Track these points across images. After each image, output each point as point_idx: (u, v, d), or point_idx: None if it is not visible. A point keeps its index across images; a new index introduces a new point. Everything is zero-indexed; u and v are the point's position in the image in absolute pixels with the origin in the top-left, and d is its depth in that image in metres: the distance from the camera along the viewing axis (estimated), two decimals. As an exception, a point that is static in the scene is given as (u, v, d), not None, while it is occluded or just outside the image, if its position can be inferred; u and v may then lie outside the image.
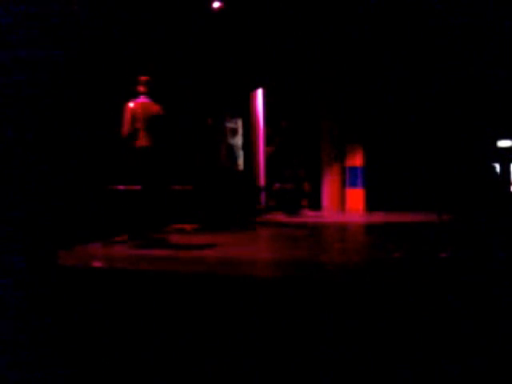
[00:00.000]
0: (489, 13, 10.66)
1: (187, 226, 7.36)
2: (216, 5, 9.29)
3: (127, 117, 5.96)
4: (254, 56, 10.53)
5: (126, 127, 5.93)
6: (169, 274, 3.98)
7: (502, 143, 14.47)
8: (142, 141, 5.95)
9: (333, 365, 2.07)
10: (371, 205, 11.94)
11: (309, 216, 10.76)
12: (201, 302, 3.11)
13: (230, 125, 10.54)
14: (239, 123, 10.84)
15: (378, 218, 9.95)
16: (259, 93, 11.58)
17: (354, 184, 12.13)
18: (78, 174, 6.25)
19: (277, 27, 10.19)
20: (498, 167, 14.33)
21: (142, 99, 6.05)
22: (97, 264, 4.45)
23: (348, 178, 12.19)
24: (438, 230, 7.36)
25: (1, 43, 3.43)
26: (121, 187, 6.75)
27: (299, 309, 2.89)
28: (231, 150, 10.44)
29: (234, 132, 10.65)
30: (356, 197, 12.12)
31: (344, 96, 12.17)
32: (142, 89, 6.10)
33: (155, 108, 6.10)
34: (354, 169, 12.14)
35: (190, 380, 1.95)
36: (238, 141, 10.87)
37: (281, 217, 10.42)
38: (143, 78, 6.15)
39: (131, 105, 5.99)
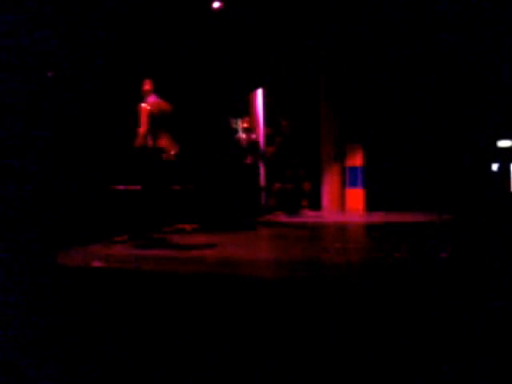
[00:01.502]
0: (489, 12, 10.66)
1: (187, 226, 7.35)
2: (216, 5, 9.29)
3: (145, 118, 5.92)
4: (254, 56, 10.53)
5: (144, 128, 5.90)
6: (169, 274, 3.98)
7: (502, 143, 14.47)
8: (163, 142, 5.97)
9: (333, 366, 2.07)
10: (371, 205, 11.94)
11: (309, 216, 10.76)
12: (200, 303, 3.11)
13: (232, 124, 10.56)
14: (239, 123, 10.84)
15: (378, 218, 9.95)
16: (259, 93, 11.58)
17: (353, 184, 12.13)
18: (79, 174, 6.25)
19: (277, 27, 10.19)
20: (497, 167, 14.33)
21: (154, 98, 6.05)
22: (97, 264, 4.45)
23: (348, 178, 12.19)
24: (437, 230, 7.36)
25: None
26: (121, 187, 6.75)
27: (299, 309, 2.89)
28: (254, 147, 10.44)
29: (236, 132, 10.66)
30: (356, 197, 12.12)
31: (344, 96, 12.17)
32: (148, 87, 6.08)
33: (168, 106, 6.11)
34: (354, 169, 12.14)
35: (189, 380, 1.96)
36: None
37: (281, 217, 10.41)
38: (148, 79, 6.15)
39: (146, 105, 5.96)
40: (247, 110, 11.18)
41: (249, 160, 10.04)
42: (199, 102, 9.00)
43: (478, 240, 6.01)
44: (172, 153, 6.05)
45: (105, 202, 6.53)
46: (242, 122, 10.55)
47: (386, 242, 5.99)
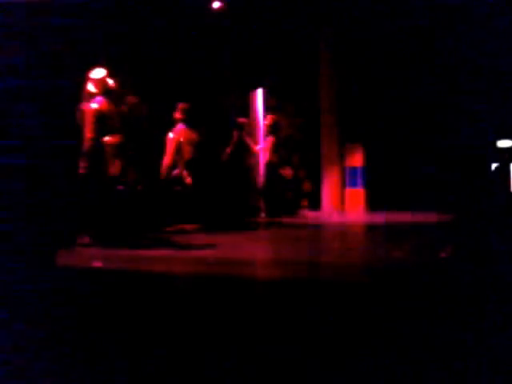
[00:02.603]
0: (489, 12, 10.66)
1: (188, 226, 7.35)
2: (216, 5, 9.30)
3: (171, 148, 6.08)
4: (254, 56, 10.53)
5: (168, 159, 6.05)
6: (169, 274, 3.98)
7: (502, 143, 14.47)
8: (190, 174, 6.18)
9: (333, 366, 2.07)
10: (371, 205, 11.93)
11: (309, 216, 10.75)
12: (200, 303, 3.11)
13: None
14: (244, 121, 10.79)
15: (378, 218, 9.95)
16: (259, 93, 11.58)
17: (354, 184, 12.10)
18: (79, 174, 6.24)
19: (277, 27, 10.19)
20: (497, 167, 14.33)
21: (181, 126, 6.16)
22: (96, 264, 4.45)
23: (348, 178, 12.17)
24: (437, 230, 7.35)
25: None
26: (121, 187, 6.74)
27: (299, 310, 2.89)
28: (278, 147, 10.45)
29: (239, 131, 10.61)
30: (356, 197, 12.09)
31: (344, 96, 12.16)
32: (179, 116, 6.20)
33: (195, 135, 6.24)
34: (353, 169, 12.11)
35: (189, 381, 1.95)
36: None
37: (281, 217, 10.40)
38: (182, 106, 6.23)
39: (174, 135, 6.11)
40: (247, 110, 11.17)
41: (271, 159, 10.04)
42: (199, 101, 8.99)
43: (478, 240, 6.00)
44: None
45: (105, 202, 6.53)
46: (264, 120, 10.50)
47: (386, 241, 5.98)
